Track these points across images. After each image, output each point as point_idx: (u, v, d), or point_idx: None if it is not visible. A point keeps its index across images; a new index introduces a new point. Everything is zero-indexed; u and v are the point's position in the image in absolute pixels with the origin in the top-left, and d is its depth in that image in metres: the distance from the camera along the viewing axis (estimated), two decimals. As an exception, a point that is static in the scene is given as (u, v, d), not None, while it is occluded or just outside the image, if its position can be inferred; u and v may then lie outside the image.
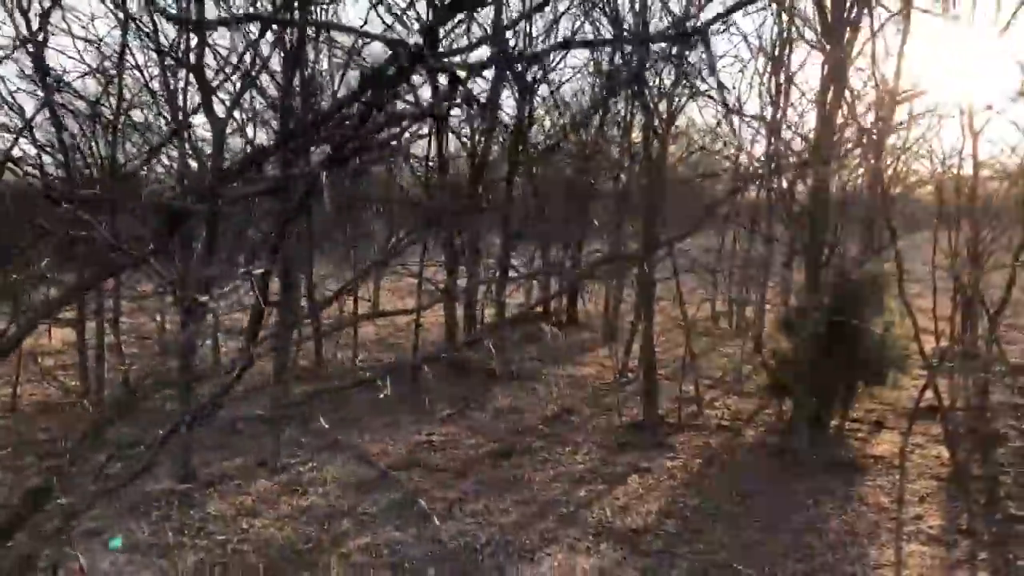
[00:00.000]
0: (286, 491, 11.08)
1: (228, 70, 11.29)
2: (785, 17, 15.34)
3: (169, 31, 12.63)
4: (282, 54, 10.95)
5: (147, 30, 12.96)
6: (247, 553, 9.23)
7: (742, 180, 16.12)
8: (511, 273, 18.89)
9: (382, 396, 4.04)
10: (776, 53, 16.40)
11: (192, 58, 12.09)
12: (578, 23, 20.00)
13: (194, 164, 13.59)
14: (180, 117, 13.86)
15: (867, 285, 13.39)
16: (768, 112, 16.35)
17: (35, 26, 11.23)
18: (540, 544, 9.49)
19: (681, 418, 14.70)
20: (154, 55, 13.96)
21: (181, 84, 14.60)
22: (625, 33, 13.73)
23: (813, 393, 12.95)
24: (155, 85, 14.39)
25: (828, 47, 12.29)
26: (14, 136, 11.36)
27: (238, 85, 11.31)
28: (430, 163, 19.12)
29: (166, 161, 14.78)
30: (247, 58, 11.07)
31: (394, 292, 28.74)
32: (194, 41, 11.15)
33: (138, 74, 14.44)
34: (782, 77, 16.06)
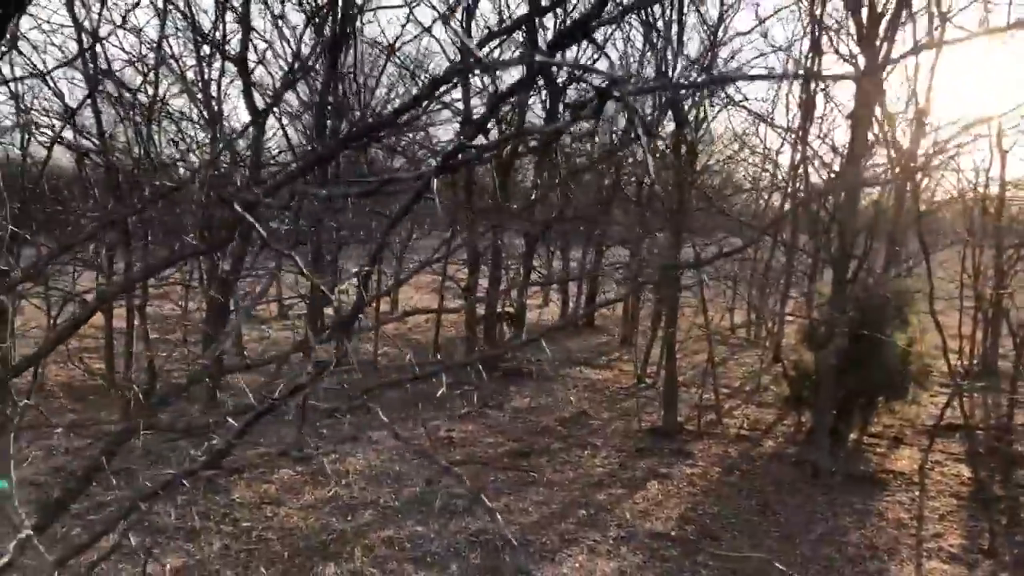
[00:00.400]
0: (310, 481, 11.23)
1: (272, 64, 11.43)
2: (817, 28, 15.30)
3: (205, 22, 12.83)
4: (325, 52, 11.08)
5: (187, 20, 13.17)
6: (272, 541, 9.37)
7: (801, 199, 16.08)
8: (533, 276, 18.94)
9: (439, 394, 4.20)
10: (807, 64, 16.40)
11: (231, 49, 12.30)
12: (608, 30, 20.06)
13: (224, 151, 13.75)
14: (216, 108, 14.06)
15: (891, 300, 13.35)
16: (796, 122, 16.36)
17: (80, 17, 11.41)
18: (561, 545, 9.56)
19: (700, 426, 14.71)
20: (191, 45, 14.20)
21: (216, 75, 14.84)
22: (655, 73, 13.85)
23: (833, 406, 12.94)
24: (191, 75, 14.60)
25: (861, 61, 12.28)
26: (61, 123, 11.55)
27: (279, 79, 11.44)
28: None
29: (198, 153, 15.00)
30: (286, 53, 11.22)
31: (413, 286, 28.92)
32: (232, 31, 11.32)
33: (175, 64, 14.64)
34: (813, 88, 16.03)
